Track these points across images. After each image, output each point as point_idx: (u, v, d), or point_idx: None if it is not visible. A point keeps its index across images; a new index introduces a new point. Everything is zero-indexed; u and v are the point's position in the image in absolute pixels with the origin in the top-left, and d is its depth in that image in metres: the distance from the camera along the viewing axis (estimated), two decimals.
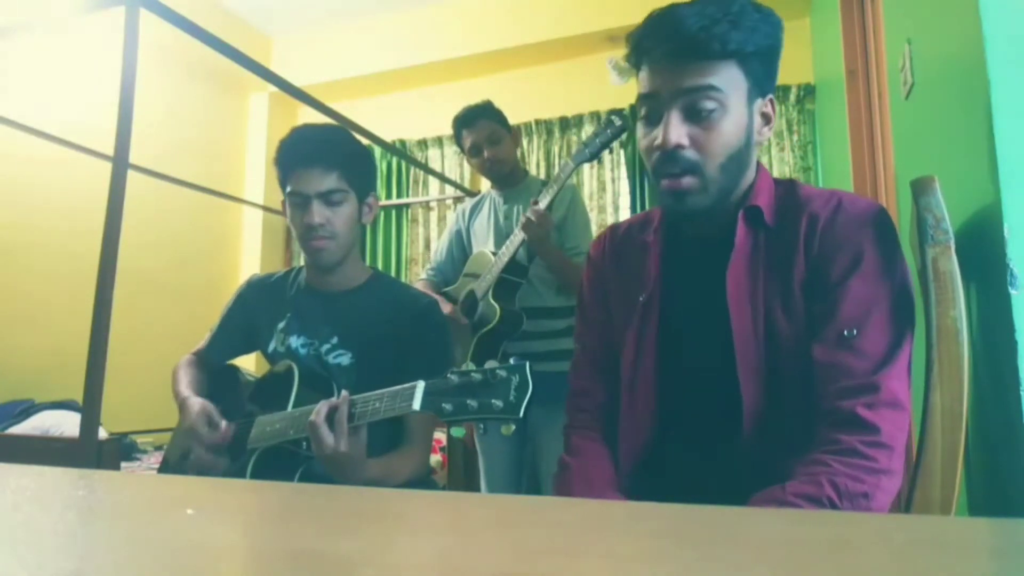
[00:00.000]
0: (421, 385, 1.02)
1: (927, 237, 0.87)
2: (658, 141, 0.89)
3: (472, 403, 0.95)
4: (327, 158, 1.31)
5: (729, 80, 0.87)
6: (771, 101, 0.94)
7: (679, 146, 0.88)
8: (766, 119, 0.94)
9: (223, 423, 1.29)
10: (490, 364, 0.97)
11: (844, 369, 0.82)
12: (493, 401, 0.94)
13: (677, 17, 0.86)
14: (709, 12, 0.85)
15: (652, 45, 0.89)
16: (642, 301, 0.98)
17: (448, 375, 0.99)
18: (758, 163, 0.98)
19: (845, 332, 0.83)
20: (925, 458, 0.83)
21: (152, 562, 0.30)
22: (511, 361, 0.96)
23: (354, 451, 1.10)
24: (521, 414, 0.92)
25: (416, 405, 1.00)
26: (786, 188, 0.96)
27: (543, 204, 1.86)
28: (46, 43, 3.09)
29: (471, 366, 0.99)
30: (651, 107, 0.92)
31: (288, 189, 1.33)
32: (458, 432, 1.00)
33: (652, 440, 0.95)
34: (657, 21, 0.89)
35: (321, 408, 1.11)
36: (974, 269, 0.92)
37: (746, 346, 0.88)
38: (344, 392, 1.12)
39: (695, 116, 0.88)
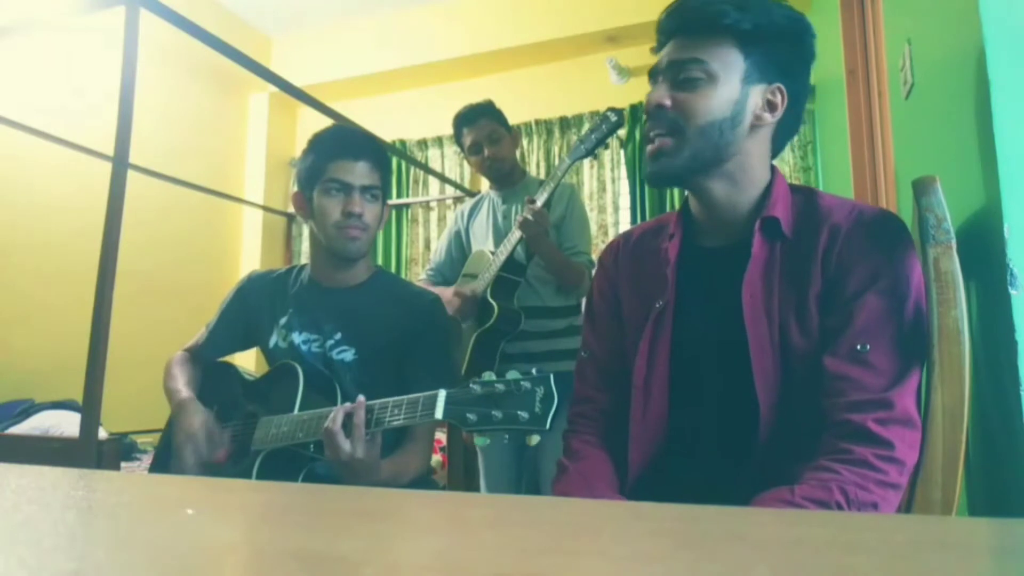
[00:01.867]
0: (443, 394, 1.01)
1: (928, 237, 0.87)
2: (645, 105, 0.95)
3: (497, 414, 0.96)
4: (375, 158, 1.38)
5: (721, 57, 0.91)
6: (780, 90, 0.93)
7: (660, 105, 0.92)
8: (771, 106, 0.93)
9: (223, 449, 1.29)
10: (512, 375, 0.97)
11: (855, 383, 0.81)
12: (519, 412, 0.94)
13: None
14: None
15: (666, 28, 0.95)
16: (658, 308, 0.98)
17: (471, 384, 0.99)
18: (775, 169, 0.97)
19: (858, 346, 0.83)
20: (926, 459, 0.82)
21: (152, 562, 0.30)
22: (534, 371, 0.96)
23: (370, 457, 1.10)
24: (548, 426, 0.93)
25: (439, 414, 1.00)
26: (805, 197, 0.95)
27: (540, 202, 1.86)
28: (46, 43, 3.09)
29: (491, 376, 0.99)
30: (652, 80, 0.97)
31: (327, 176, 1.34)
32: (481, 441, 1.00)
33: (662, 448, 0.95)
34: (674, 4, 0.95)
35: (337, 415, 1.10)
36: (974, 269, 0.92)
37: (762, 357, 0.87)
38: (360, 397, 1.11)
39: (681, 84, 0.92)
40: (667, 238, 1.02)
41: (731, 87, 0.91)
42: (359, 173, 1.34)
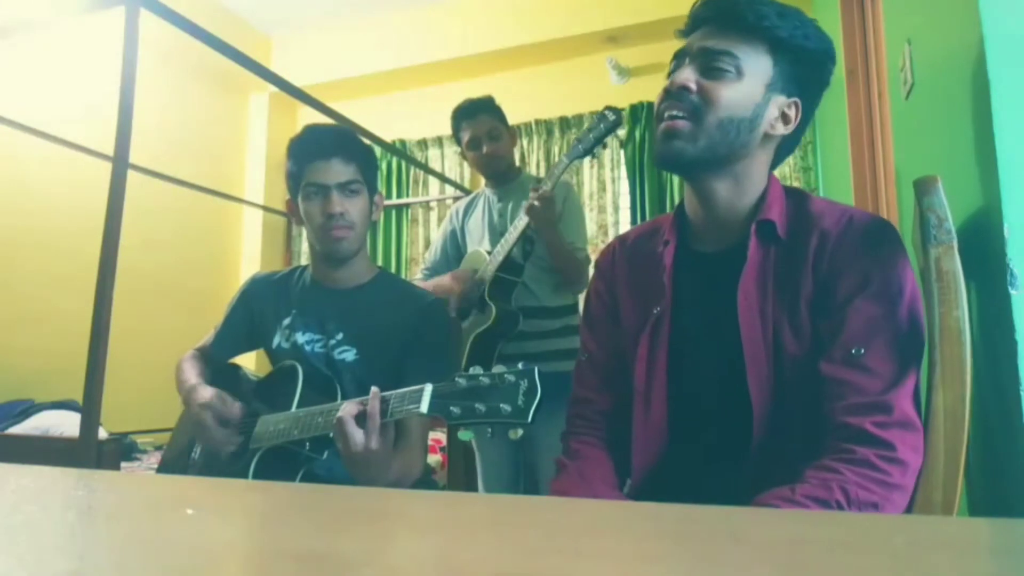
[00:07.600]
0: (429, 388, 1.01)
1: (930, 237, 0.87)
2: (668, 85, 0.93)
3: (480, 407, 0.95)
4: (346, 151, 1.36)
5: (752, 57, 0.91)
6: (796, 105, 0.94)
7: (685, 88, 0.91)
8: (785, 119, 0.94)
9: (236, 404, 1.29)
10: (498, 368, 0.96)
11: (852, 386, 0.81)
12: (502, 406, 0.93)
13: None
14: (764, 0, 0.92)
15: (703, 13, 0.95)
16: (655, 314, 0.98)
17: (456, 378, 0.99)
18: (770, 173, 0.98)
19: (852, 350, 0.83)
20: (927, 460, 0.82)
21: (152, 562, 0.30)
22: (519, 366, 0.96)
23: (383, 449, 1.07)
24: (530, 419, 0.92)
25: (424, 408, 0.99)
26: (797, 200, 0.96)
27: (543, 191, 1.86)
28: (46, 43, 3.09)
29: (478, 370, 0.98)
30: (677, 62, 0.96)
31: (304, 181, 1.36)
32: (465, 435, 0.99)
33: (664, 452, 0.95)
34: None
35: (349, 405, 1.08)
36: (974, 269, 0.92)
37: (756, 359, 0.88)
38: (374, 388, 1.08)
39: (708, 72, 0.91)
40: (662, 243, 1.02)
41: (756, 89, 0.91)
42: (333, 172, 1.34)
